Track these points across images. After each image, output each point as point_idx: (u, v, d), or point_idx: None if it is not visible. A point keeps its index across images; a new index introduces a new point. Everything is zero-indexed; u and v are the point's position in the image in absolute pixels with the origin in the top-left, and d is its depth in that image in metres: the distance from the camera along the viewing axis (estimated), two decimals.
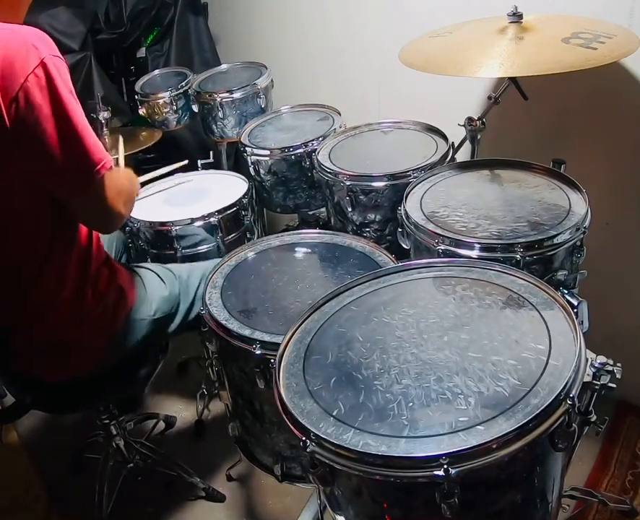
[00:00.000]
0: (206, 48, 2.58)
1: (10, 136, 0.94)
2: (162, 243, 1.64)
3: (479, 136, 1.50)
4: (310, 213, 1.88)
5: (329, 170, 1.52)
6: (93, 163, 1.01)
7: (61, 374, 1.23)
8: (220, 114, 2.01)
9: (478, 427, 0.74)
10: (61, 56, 0.99)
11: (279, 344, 0.96)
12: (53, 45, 0.99)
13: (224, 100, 2.00)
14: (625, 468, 1.62)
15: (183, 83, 2.16)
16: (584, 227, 1.16)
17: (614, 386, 0.88)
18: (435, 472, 0.69)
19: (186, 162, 1.91)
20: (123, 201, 1.13)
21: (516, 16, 1.31)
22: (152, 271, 1.40)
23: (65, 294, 1.16)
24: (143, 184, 1.72)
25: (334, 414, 0.81)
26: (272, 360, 0.99)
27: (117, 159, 1.57)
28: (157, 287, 1.35)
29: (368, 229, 1.52)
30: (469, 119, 1.47)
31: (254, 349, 1.06)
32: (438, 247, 1.17)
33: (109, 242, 1.57)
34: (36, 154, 0.98)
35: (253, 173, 1.84)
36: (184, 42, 2.55)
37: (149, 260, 1.66)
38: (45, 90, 0.94)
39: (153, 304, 1.31)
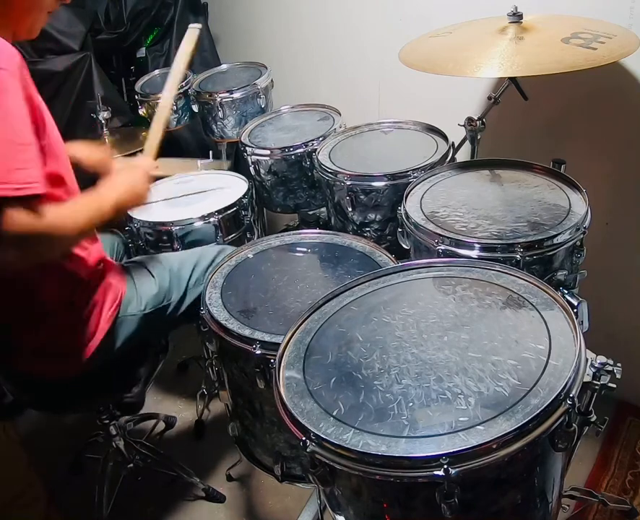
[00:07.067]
0: (206, 48, 2.57)
1: None
2: (162, 243, 1.64)
3: (479, 136, 1.50)
4: (310, 213, 1.88)
5: (329, 170, 1.52)
6: None
7: (60, 373, 1.24)
8: (220, 114, 2.01)
9: (478, 427, 0.74)
10: (6, 68, 0.92)
11: (279, 344, 0.96)
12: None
13: (224, 100, 2.00)
14: (625, 468, 1.62)
15: (183, 83, 2.16)
16: (584, 227, 1.16)
17: (614, 386, 0.88)
18: (435, 472, 0.69)
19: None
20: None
21: (516, 16, 1.31)
22: (142, 264, 1.40)
23: (61, 300, 1.18)
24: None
25: (334, 414, 0.81)
26: (272, 360, 0.99)
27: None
28: (146, 281, 1.35)
29: (368, 229, 1.52)
30: (469, 119, 1.47)
31: (254, 349, 1.06)
32: (438, 247, 1.18)
33: (110, 243, 1.57)
34: None
35: (253, 173, 1.84)
36: None
37: None
38: None
39: (143, 299, 1.32)
